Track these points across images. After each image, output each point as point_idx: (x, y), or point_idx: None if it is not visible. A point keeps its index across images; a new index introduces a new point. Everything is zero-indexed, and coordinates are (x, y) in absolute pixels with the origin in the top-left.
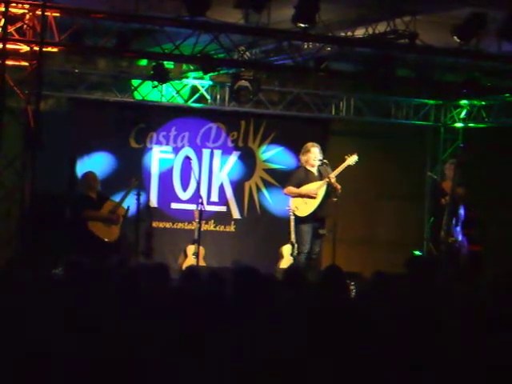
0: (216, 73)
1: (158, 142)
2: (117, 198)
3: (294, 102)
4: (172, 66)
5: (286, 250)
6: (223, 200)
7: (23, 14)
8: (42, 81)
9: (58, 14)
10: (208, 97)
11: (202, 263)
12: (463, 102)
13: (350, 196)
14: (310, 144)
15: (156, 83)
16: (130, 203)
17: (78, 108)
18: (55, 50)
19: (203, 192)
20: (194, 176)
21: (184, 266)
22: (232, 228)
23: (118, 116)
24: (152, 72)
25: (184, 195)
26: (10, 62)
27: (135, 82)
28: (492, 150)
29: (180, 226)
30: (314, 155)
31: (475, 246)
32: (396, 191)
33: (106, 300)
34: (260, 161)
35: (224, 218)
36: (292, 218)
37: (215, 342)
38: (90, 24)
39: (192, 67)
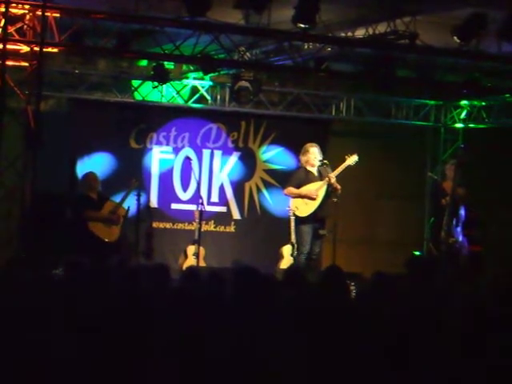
0: (216, 73)
1: (159, 143)
2: (117, 198)
3: (294, 102)
4: (172, 67)
5: (286, 250)
6: (223, 200)
7: (23, 15)
8: (42, 81)
9: (58, 15)
10: (208, 97)
11: (202, 263)
12: (463, 102)
13: (350, 196)
14: (309, 144)
15: (156, 84)
16: (131, 204)
17: (78, 108)
18: (55, 50)
19: (203, 192)
20: (195, 176)
21: (184, 267)
22: (232, 228)
23: (119, 116)
24: (152, 72)
25: (184, 196)
26: (10, 63)
27: (135, 83)
28: (492, 150)
29: (180, 226)
30: (313, 155)
31: (476, 247)
32: (396, 191)
33: (106, 300)
34: (260, 161)
35: (224, 218)
36: (292, 218)
37: (215, 342)
38: (90, 24)
39: (192, 68)
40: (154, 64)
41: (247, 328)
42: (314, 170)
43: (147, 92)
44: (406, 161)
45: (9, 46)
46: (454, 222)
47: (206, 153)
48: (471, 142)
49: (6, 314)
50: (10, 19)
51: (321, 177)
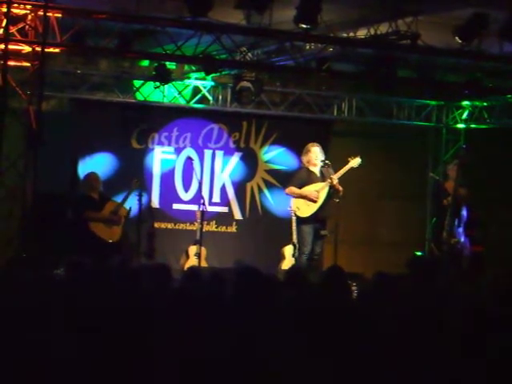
0: (218, 73)
1: (160, 143)
2: (119, 198)
3: (295, 102)
4: (174, 67)
5: (288, 250)
6: (225, 201)
7: (25, 15)
8: (43, 81)
9: (59, 15)
10: (210, 97)
11: (203, 264)
12: (465, 102)
13: (351, 196)
14: (310, 144)
15: (158, 84)
16: (132, 204)
17: (80, 108)
18: (57, 50)
19: (205, 193)
20: (196, 177)
21: (186, 267)
22: (234, 229)
23: (120, 117)
24: (154, 73)
25: (186, 196)
26: (12, 63)
27: (137, 83)
28: (493, 150)
29: (182, 226)
30: (314, 155)
31: (477, 247)
32: (398, 192)
33: (107, 300)
34: (262, 162)
35: (226, 218)
36: (294, 218)
37: (215, 341)
38: (92, 24)
39: (194, 68)
40: (156, 64)
41: (247, 328)
42: (316, 170)
43: (149, 92)
44: (408, 161)
45: (10, 46)
46: (456, 223)
47: (207, 153)
48: (473, 143)
49: (6, 313)
50: (12, 19)
51: (323, 177)
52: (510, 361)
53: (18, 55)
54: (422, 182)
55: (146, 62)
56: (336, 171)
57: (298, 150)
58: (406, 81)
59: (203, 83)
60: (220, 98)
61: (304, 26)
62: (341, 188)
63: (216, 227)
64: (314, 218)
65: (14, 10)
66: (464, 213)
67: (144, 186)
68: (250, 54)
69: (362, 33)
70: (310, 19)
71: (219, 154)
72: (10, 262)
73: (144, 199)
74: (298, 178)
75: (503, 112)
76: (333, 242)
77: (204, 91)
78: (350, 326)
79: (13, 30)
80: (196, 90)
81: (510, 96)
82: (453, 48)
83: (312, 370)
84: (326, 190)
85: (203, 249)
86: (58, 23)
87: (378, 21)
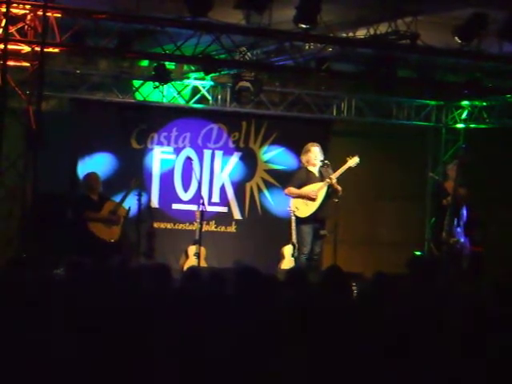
0: (217, 73)
1: (160, 143)
2: (118, 198)
3: (295, 102)
4: (173, 67)
5: (287, 250)
6: (224, 201)
7: (24, 15)
8: (43, 81)
9: (59, 15)
10: (209, 97)
11: (203, 264)
12: (464, 102)
13: (351, 196)
14: (310, 144)
15: (157, 84)
16: (132, 204)
17: (80, 109)
18: (56, 50)
19: (204, 193)
20: (195, 177)
21: (185, 267)
22: (233, 229)
23: (120, 117)
24: (153, 73)
25: (185, 196)
26: (11, 63)
27: (136, 83)
28: (493, 150)
29: (181, 226)
30: (314, 154)
31: (477, 247)
32: (397, 192)
33: (107, 300)
34: (261, 161)
35: (225, 218)
36: (293, 218)
37: (215, 341)
38: (92, 24)
39: (193, 68)
40: (155, 64)
41: (247, 328)
42: (315, 170)
43: (148, 92)
44: (407, 161)
45: (10, 47)
46: (456, 223)
47: (206, 153)
48: (472, 143)
49: (6, 313)
50: (11, 19)
51: (322, 177)
52: (510, 361)
53: (17, 55)
54: (422, 182)
55: (145, 62)
56: (335, 171)
57: (298, 149)
58: (405, 81)
59: (202, 83)
60: (219, 97)
61: (303, 26)
62: (339, 188)
63: (215, 227)
64: (314, 218)
65: (14, 10)
66: (464, 213)
67: (143, 186)
68: (249, 54)
69: (361, 33)
70: (310, 19)
71: (218, 153)
72: (9, 262)
73: (143, 199)
74: (297, 178)
75: (503, 112)
76: (332, 242)
77: (203, 91)
78: (349, 325)
79: (12, 29)
80: (195, 90)
81: (509, 96)
82: (452, 48)
83: (312, 369)
84: (325, 189)
85: (203, 249)
86: (57, 23)
87: (378, 21)
